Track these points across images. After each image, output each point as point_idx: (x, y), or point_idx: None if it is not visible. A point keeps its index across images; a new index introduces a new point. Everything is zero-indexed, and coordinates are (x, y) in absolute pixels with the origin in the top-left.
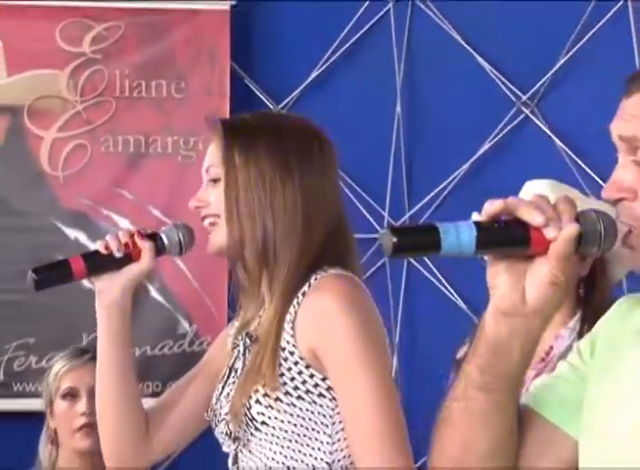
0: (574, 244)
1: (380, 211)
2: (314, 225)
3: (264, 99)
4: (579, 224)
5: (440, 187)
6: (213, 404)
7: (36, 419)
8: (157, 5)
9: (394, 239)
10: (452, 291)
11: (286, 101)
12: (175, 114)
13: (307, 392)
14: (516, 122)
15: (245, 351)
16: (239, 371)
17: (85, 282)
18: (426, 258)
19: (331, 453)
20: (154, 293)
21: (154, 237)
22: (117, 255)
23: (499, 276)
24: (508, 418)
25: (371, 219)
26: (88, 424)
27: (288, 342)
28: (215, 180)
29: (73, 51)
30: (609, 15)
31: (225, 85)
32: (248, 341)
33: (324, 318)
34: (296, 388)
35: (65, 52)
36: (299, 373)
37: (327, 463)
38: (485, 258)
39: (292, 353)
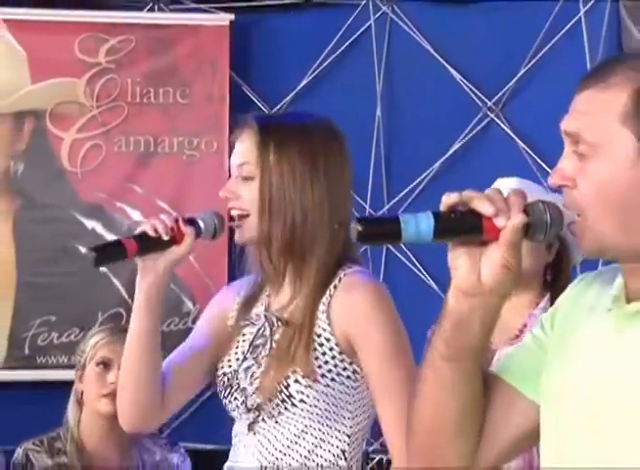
0: (523, 232)
1: (361, 203)
2: (340, 220)
3: (260, 104)
4: (527, 214)
5: (415, 182)
6: (229, 374)
7: (58, 388)
8: (163, 21)
9: (359, 228)
10: (426, 274)
11: (279, 105)
12: (180, 117)
13: (338, 374)
14: (482, 125)
15: (271, 331)
16: (261, 349)
17: (102, 268)
18: (403, 246)
19: (351, 427)
20: None
21: (192, 222)
22: (165, 238)
23: (458, 259)
24: (473, 385)
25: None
26: (114, 392)
27: (324, 329)
28: (249, 178)
29: (90, 61)
30: (564, 30)
31: (225, 92)
32: (276, 323)
33: (361, 311)
34: (329, 371)
35: (82, 62)
36: (332, 358)
37: (347, 435)
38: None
39: (327, 340)
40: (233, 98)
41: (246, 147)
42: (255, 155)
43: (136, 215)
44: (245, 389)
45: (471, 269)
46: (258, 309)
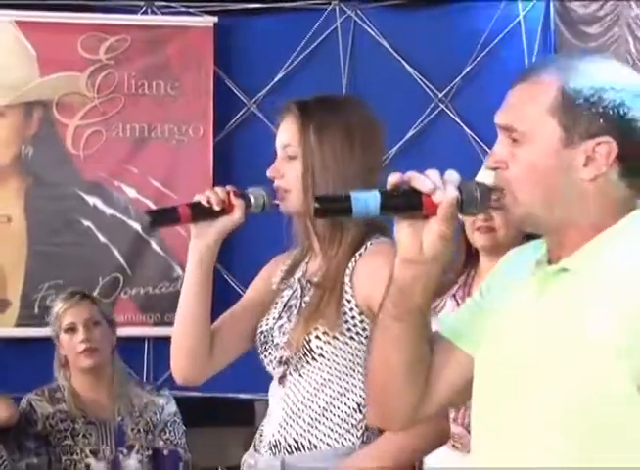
0: (457, 207)
1: None
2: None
3: (240, 95)
4: (460, 192)
5: None
6: (265, 332)
7: None
8: (156, 22)
9: (317, 205)
10: None
11: (257, 97)
12: (171, 107)
13: (357, 333)
14: (434, 115)
15: (302, 292)
16: (293, 308)
17: (100, 237)
18: None
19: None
20: (154, 245)
21: (243, 195)
22: (216, 208)
23: (403, 232)
24: (417, 342)
25: None
26: (87, 348)
27: (347, 292)
28: (292, 157)
29: (91, 58)
30: (505, 31)
31: (210, 84)
32: (306, 284)
33: (378, 277)
34: (349, 329)
35: (84, 59)
36: (352, 318)
37: (363, 390)
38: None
39: (349, 301)
40: (217, 90)
41: (289, 130)
42: (298, 137)
43: (132, 193)
44: (277, 344)
45: (413, 241)
46: (298, 275)
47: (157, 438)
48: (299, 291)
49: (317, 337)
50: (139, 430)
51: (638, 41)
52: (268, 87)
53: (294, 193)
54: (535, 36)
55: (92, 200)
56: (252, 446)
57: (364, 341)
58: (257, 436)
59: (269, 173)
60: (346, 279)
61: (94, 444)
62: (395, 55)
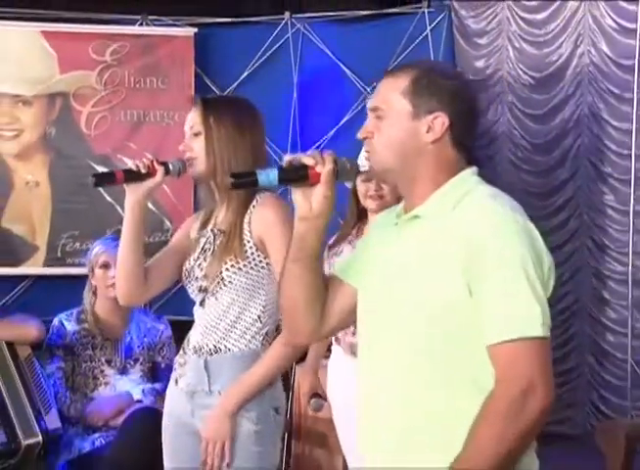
0: (334, 175)
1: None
2: (259, 165)
3: (214, 89)
4: (336, 164)
5: (318, 143)
6: (188, 269)
7: (80, 280)
8: (149, 32)
9: (232, 180)
10: None
11: (227, 91)
12: (161, 97)
13: (256, 265)
14: (363, 105)
15: (214, 238)
16: (208, 251)
17: (108, 197)
18: None
19: (265, 300)
20: (148, 204)
21: (164, 164)
22: (143, 171)
23: (297, 196)
24: (313, 277)
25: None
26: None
27: (246, 234)
28: (197, 134)
29: (100, 59)
30: (418, 40)
31: (191, 80)
32: (216, 232)
33: (269, 221)
34: (249, 262)
35: (94, 60)
36: (252, 254)
37: (262, 306)
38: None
39: (248, 241)
40: (197, 85)
41: (194, 116)
42: (200, 120)
43: (131, 164)
44: (197, 277)
45: (305, 202)
46: (210, 226)
47: (156, 354)
48: (212, 237)
49: (227, 269)
50: (143, 347)
51: (516, 50)
52: (236, 83)
53: (199, 160)
54: (440, 44)
55: (101, 169)
56: (182, 349)
57: (260, 270)
58: (185, 342)
59: (181, 148)
60: (245, 225)
61: (108, 355)
62: (334, 58)
